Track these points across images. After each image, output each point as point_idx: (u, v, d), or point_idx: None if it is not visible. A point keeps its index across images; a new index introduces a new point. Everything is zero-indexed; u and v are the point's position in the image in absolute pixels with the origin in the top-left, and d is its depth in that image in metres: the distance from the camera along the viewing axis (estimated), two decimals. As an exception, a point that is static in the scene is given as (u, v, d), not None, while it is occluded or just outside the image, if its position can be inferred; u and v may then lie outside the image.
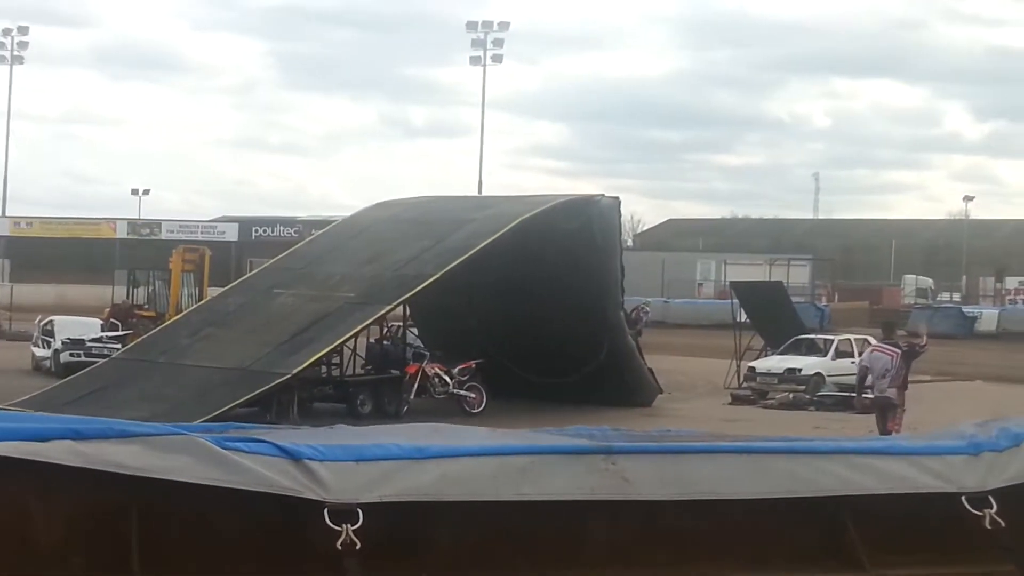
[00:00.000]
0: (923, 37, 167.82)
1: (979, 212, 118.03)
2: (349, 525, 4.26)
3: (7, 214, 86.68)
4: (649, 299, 63.75)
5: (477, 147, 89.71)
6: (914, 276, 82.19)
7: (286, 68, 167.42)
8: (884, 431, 17.14)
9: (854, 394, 28.60)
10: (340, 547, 4.23)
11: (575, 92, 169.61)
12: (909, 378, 19.06)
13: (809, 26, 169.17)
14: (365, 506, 4.31)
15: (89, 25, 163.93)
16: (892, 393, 18.36)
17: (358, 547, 4.24)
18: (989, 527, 4.82)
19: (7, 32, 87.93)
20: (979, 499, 4.88)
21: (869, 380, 19.08)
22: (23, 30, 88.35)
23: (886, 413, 18.24)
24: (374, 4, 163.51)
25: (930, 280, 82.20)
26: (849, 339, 32.83)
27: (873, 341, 33.18)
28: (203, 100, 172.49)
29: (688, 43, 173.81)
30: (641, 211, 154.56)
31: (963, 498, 4.88)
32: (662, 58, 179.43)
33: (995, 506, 4.85)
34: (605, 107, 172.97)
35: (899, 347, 19.05)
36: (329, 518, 4.27)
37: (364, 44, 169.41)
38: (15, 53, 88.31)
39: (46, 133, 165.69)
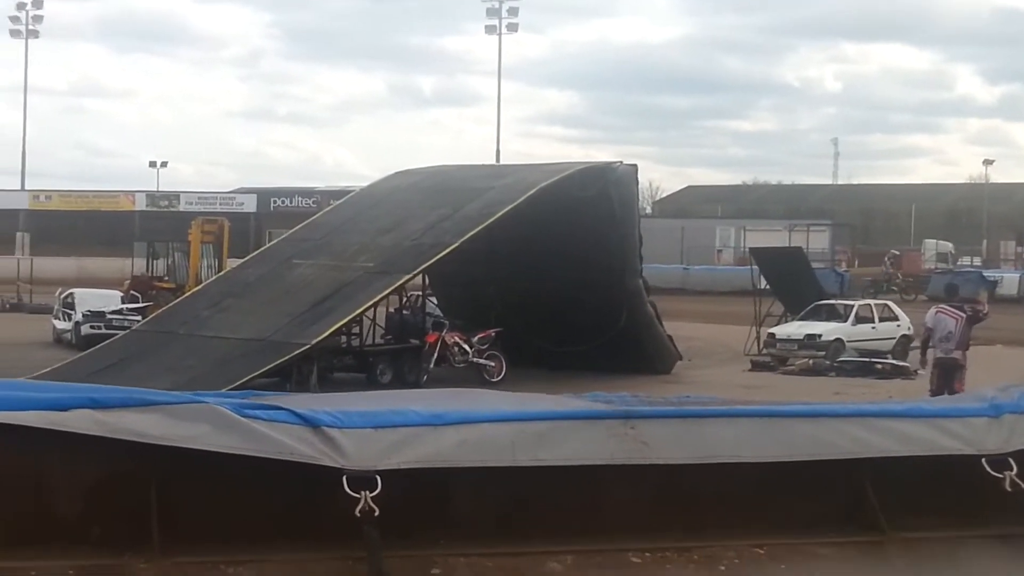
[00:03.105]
0: (929, 1, 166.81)
1: (997, 176, 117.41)
2: (367, 492, 4.26)
3: (26, 187, 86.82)
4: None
5: (487, 116, 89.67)
6: (934, 241, 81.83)
7: (292, 39, 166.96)
8: (942, 391, 17.22)
9: (875, 360, 28.66)
10: (359, 514, 4.23)
11: (583, 59, 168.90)
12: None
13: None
14: (384, 473, 4.30)
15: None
16: (959, 355, 18.60)
17: (376, 513, 4.23)
18: (1009, 488, 4.80)
19: (22, 6, 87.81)
20: (999, 461, 4.86)
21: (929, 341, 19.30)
22: (37, 3, 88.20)
23: (953, 374, 18.33)
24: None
25: (950, 244, 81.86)
26: (869, 304, 32.74)
27: (893, 306, 33.18)
28: (210, 71, 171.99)
29: (695, 8, 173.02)
30: (656, 178, 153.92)
31: (983, 460, 4.86)
32: (669, 24, 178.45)
33: (1015, 468, 4.82)
34: (614, 74, 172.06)
35: (964, 311, 19.15)
36: (348, 485, 4.27)
37: (368, 13, 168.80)
38: (30, 27, 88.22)
39: (56, 106, 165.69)
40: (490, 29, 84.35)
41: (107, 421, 4.18)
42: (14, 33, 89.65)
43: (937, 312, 19.25)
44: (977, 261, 78.18)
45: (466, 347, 26.14)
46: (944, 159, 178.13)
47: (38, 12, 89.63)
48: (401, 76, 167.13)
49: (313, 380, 22.57)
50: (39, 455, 4.12)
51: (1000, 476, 4.82)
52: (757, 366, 29.91)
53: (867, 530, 4.78)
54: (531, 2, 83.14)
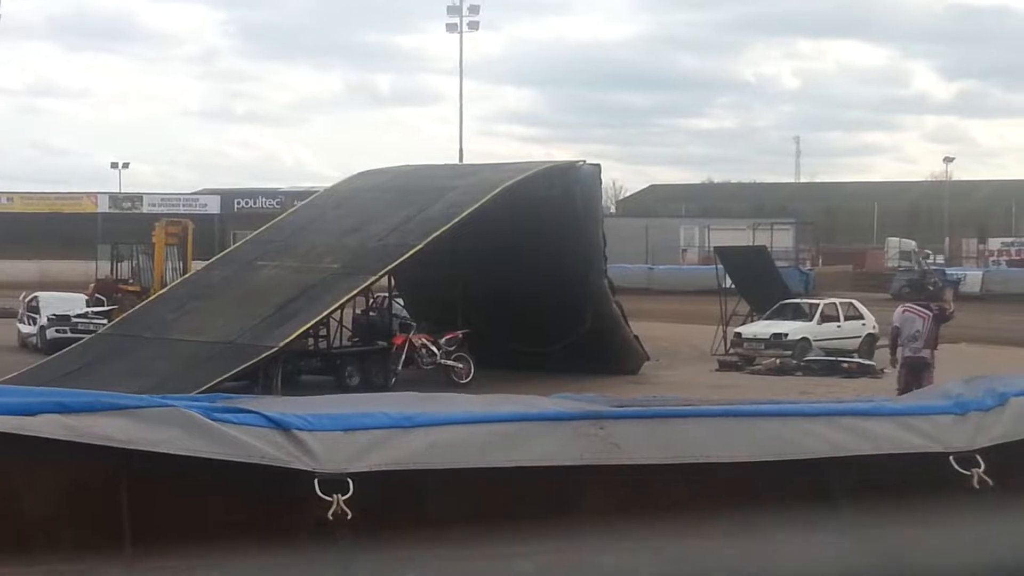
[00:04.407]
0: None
1: (957, 173, 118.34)
2: (339, 495, 4.25)
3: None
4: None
5: (446, 114, 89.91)
6: (897, 239, 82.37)
7: (247, 36, 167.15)
8: (910, 390, 17.36)
9: (841, 359, 28.78)
10: (331, 517, 4.23)
11: (540, 57, 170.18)
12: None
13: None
14: (355, 475, 4.30)
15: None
16: (927, 354, 18.80)
17: (349, 517, 4.23)
18: (977, 486, 4.84)
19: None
20: (967, 458, 4.90)
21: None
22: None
23: (921, 373, 18.49)
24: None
25: (913, 242, 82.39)
26: (835, 303, 32.93)
27: (858, 304, 33.35)
28: (164, 70, 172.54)
29: (649, 5, 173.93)
30: (618, 177, 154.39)
31: (951, 458, 4.90)
32: (623, 21, 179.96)
33: (983, 465, 4.86)
34: (571, 72, 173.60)
35: (931, 309, 19.32)
36: (319, 488, 4.26)
37: (323, 11, 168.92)
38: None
39: (11, 106, 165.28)
40: (451, 27, 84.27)
41: (74, 425, 4.16)
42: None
43: (904, 311, 19.44)
44: (940, 259, 78.81)
45: (434, 349, 26.19)
46: (903, 156, 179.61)
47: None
48: (358, 74, 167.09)
49: (276, 382, 22.54)
50: (6, 459, 4.09)
51: (967, 473, 4.86)
52: (724, 366, 30.11)
53: (837, 528, 4.81)
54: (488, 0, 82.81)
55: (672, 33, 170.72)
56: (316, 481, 4.28)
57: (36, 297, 34.52)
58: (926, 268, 59.93)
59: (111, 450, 4.16)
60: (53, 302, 34.08)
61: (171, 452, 4.20)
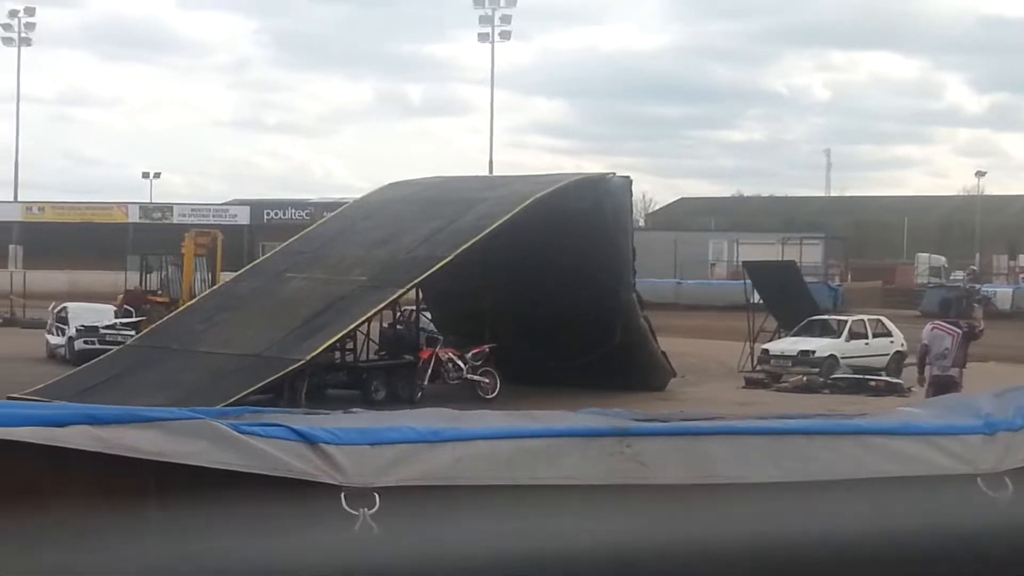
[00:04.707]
0: (914, 7, 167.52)
1: (989, 187, 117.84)
2: (366, 509, 4.26)
3: (19, 199, 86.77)
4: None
5: (476, 125, 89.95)
6: (927, 254, 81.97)
7: (279, 46, 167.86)
8: None
9: (869, 377, 28.65)
10: (358, 530, 4.24)
11: (571, 67, 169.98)
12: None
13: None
14: (381, 490, 4.31)
15: (74, 5, 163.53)
16: (955, 372, 18.50)
17: (375, 531, 4.24)
18: (1005, 508, 4.81)
19: (14, 13, 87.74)
20: (995, 480, 4.87)
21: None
22: (30, 11, 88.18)
23: (948, 391, 18.30)
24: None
25: (943, 258, 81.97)
26: (863, 320, 32.82)
27: (886, 321, 33.21)
28: (197, 79, 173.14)
29: (681, 15, 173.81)
30: (648, 190, 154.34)
31: (979, 479, 4.87)
32: (655, 31, 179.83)
33: (1011, 487, 4.83)
34: (601, 83, 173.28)
35: (960, 327, 19.10)
36: (346, 502, 4.27)
37: (354, 20, 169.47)
38: (23, 35, 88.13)
39: (44, 115, 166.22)
40: (482, 37, 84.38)
41: (104, 437, 4.19)
42: (6, 41, 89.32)
43: (933, 329, 19.22)
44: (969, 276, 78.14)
45: (460, 363, 26.15)
46: (934, 170, 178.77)
47: (30, 20, 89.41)
48: (389, 84, 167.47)
49: (301, 396, 22.50)
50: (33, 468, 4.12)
51: (995, 495, 4.83)
52: (751, 383, 29.97)
53: (860, 549, 4.78)
54: (519, 9, 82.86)
55: (704, 43, 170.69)
56: (343, 495, 4.29)
57: (65, 308, 34.68)
58: (969, 287, 59.72)
59: (141, 461, 4.18)
60: (82, 313, 34.23)
61: (200, 464, 4.23)
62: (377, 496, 4.30)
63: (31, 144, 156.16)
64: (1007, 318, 53.27)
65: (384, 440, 4.47)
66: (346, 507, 4.27)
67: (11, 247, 74.31)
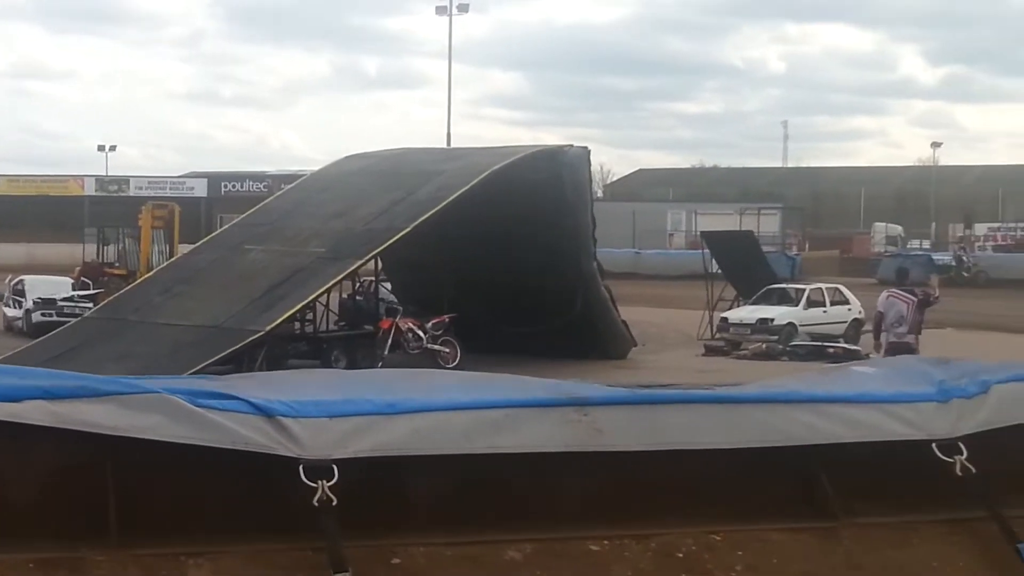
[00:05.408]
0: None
1: (943, 158, 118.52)
2: (325, 481, 4.26)
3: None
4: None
5: (433, 98, 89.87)
6: (884, 224, 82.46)
7: (234, 18, 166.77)
8: None
9: (827, 344, 28.82)
10: (317, 503, 4.24)
11: (527, 40, 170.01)
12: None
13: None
14: (340, 462, 4.31)
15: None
16: (911, 339, 18.73)
17: (334, 503, 4.24)
18: (960, 473, 4.86)
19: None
20: (949, 446, 4.91)
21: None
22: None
23: None
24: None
25: (900, 228, 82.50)
26: (821, 288, 33.00)
27: (844, 289, 33.40)
28: (151, 53, 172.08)
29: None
30: (605, 161, 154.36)
31: (933, 445, 4.91)
32: (611, 4, 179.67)
33: (965, 452, 4.88)
34: (556, 55, 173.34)
35: (915, 295, 19.28)
36: (304, 474, 4.27)
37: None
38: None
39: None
40: (440, 10, 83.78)
41: (60, 412, 4.16)
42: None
43: (888, 296, 19.40)
44: (926, 244, 78.85)
45: (420, 333, 26.16)
46: (889, 141, 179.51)
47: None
48: (345, 57, 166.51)
49: (261, 366, 22.43)
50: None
51: (950, 461, 4.87)
52: (710, 351, 30.12)
53: (820, 516, 4.82)
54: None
55: (660, 16, 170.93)
56: (301, 467, 4.28)
57: (22, 280, 34.44)
58: (959, 254, 60.32)
59: (98, 434, 4.16)
60: (39, 285, 34.01)
61: (156, 439, 4.21)
62: (335, 468, 4.29)
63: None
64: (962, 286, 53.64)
65: (341, 412, 4.46)
66: (304, 479, 4.26)
67: (-34, 221, 73.72)
